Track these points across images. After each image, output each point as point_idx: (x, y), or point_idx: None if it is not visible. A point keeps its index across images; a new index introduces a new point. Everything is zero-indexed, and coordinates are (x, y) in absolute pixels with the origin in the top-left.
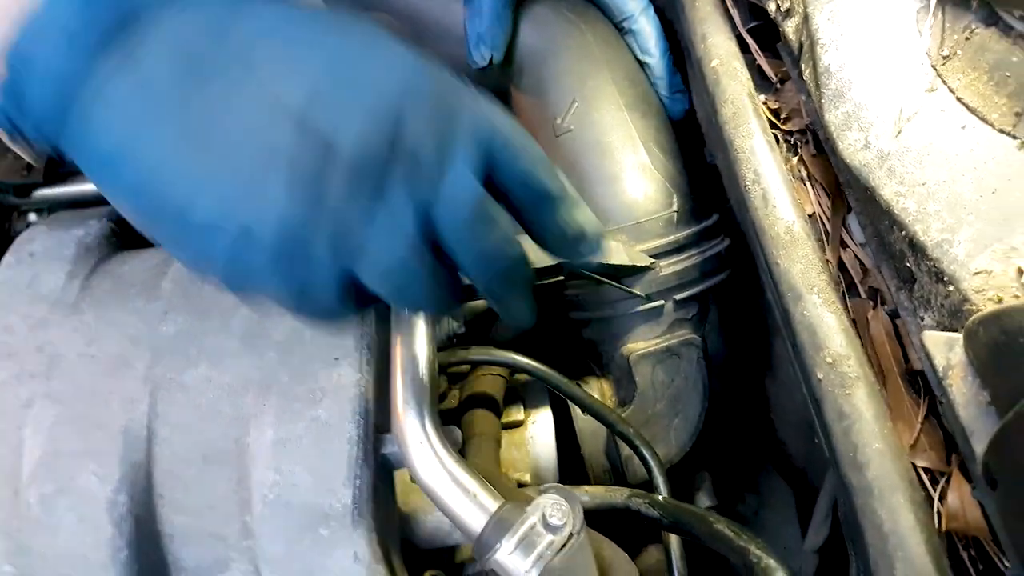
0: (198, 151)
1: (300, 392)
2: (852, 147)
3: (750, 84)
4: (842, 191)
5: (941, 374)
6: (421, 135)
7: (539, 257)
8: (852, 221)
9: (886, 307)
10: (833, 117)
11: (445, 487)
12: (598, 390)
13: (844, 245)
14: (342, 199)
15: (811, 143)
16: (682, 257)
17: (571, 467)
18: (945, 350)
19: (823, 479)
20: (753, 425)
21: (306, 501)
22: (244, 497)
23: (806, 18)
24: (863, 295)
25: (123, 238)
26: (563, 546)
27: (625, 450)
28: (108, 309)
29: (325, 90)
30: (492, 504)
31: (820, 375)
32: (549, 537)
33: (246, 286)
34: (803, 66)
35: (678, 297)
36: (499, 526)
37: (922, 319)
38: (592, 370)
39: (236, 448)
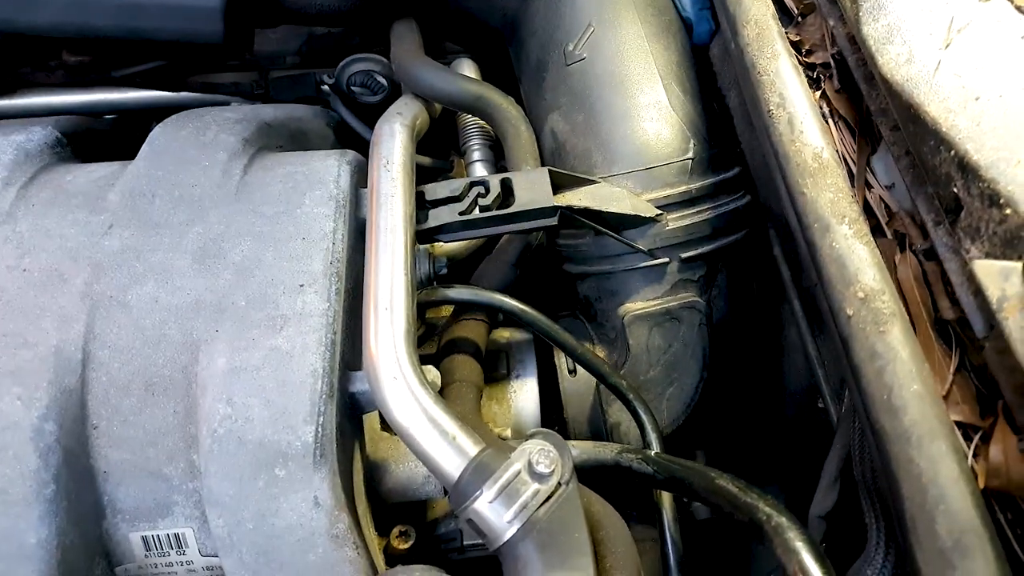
0: None
1: (258, 318)
2: (894, 61)
3: (773, 7)
4: (868, 127)
5: (995, 306)
6: None
7: (532, 198)
8: (876, 162)
9: (915, 248)
10: (872, 30)
11: (420, 427)
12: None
13: (868, 187)
14: None
15: (835, 77)
16: (693, 211)
17: (550, 425)
18: (1000, 280)
19: (821, 448)
20: (749, 403)
21: (261, 438)
22: (191, 432)
23: None
24: (890, 238)
25: (72, 151)
26: (550, 496)
27: (612, 417)
28: (45, 219)
29: None
30: (472, 448)
31: (850, 311)
32: (535, 486)
33: None
34: None
35: (684, 255)
36: (479, 472)
37: (968, 251)
38: (585, 329)
39: (183, 377)
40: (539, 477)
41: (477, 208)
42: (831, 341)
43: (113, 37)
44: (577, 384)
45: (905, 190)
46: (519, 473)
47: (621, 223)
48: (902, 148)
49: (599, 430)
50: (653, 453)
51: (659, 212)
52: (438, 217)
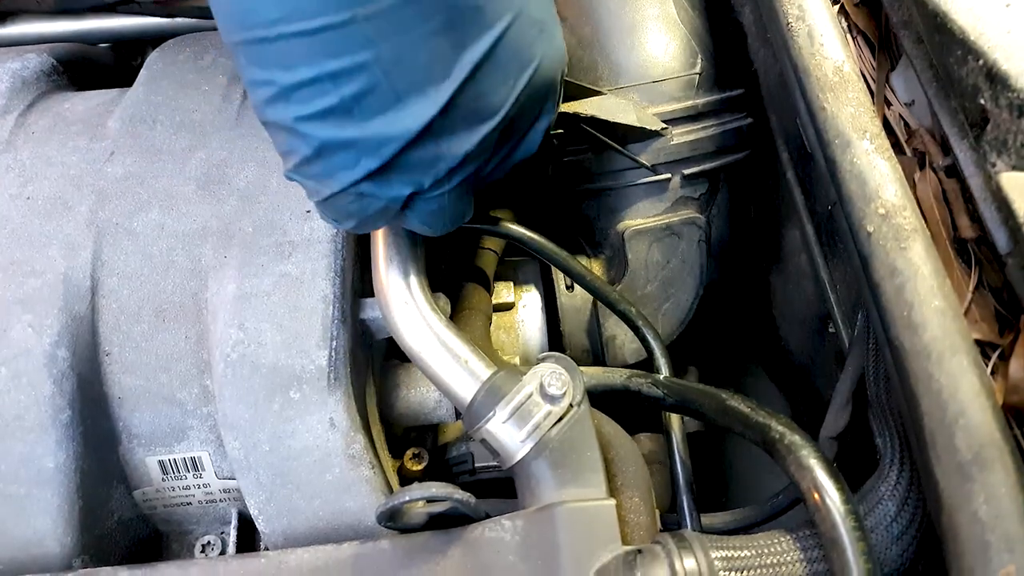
0: None
1: (266, 244)
2: None
3: None
4: (888, 43)
5: (1022, 218)
6: None
7: None
8: (896, 79)
9: (936, 166)
10: None
11: (432, 351)
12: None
13: (888, 104)
14: None
15: None
16: (698, 127)
17: (555, 350)
18: None
19: (829, 374)
20: (747, 323)
21: (275, 362)
22: (203, 357)
23: None
24: (909, 156)
25: (69, 79)
26: (561, 417)
27: (607, 331)
28: (46, 147)
29: None
30: (484, 371)
31: (870, 228)
32: (547, 407)
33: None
34: None
35: (687, 172)
36: (492, 393)
37: (994, 165)
38: (583, 249)
39: (193, 303)
40: (551, 399)
41: None
42: (847, 263)
43: None
44: (574, 300)
45: (926, 107)
46: (531, 395)
47: (626, 136)
48: (926, 61)
49: (596, 344)
50: (662, 377)
51: (664, 126)
52: None
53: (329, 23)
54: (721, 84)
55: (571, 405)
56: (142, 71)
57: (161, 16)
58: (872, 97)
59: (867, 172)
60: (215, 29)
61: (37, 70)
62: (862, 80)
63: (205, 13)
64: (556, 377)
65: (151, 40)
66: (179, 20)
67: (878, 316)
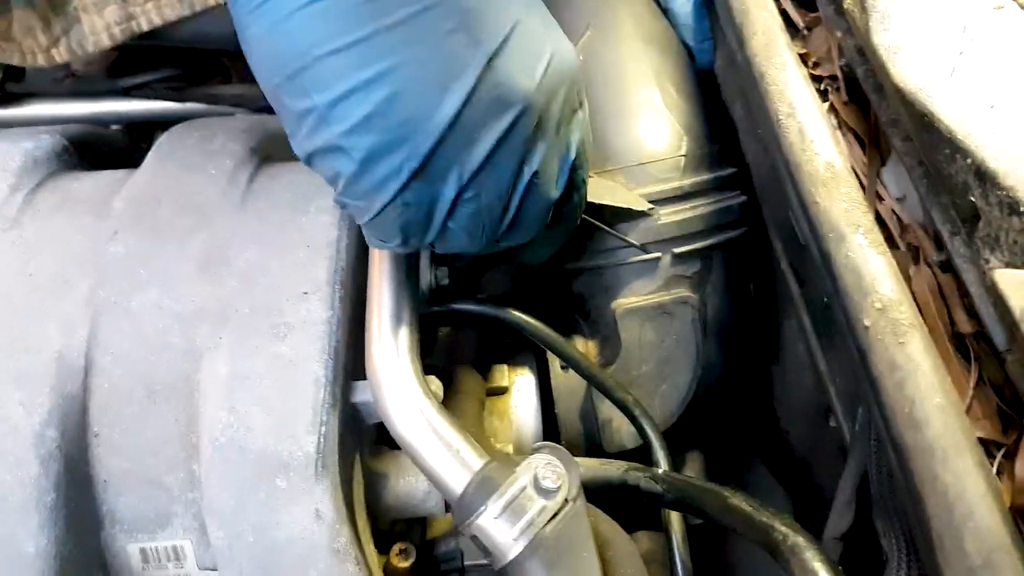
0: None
1: (262, 326)
2: (907, 70)
3: (780, 19)
4: (877, 140)
5: (1018, 316)
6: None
7: None
8: (887, 175)
9: (930, 261)
10: (883, 40)
11: (423, 439)
12: (583, 350)
13: (879, 199)
14: None
15: (843, 89)
16: (686, 206)
17: (549, 435)
18: (1022, 289)
19: (832, 468)
20: (747, 411)
21: (263, 447)
22: (192, 441)
23: None
24: (903, 250)
25: (80, 159)
26: (556, 513)
27: (603, 413)
28: (51, 225)
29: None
30: (477, 461)
31: (867, 322)
32: (541, 502)
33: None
34: None
35: (677, 251)
36: (484, 486)
37: (987, 261)
38: (579, 328)
39: (185, 385)
40: (545, 493)
41: None
42: (845, 356)
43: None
44: (569, 381)
45: (918, 202)
46: (525, 488)
47: (614, 216)
48: (915, 158)
49: (591, 427)
50: (662, 471)
51: (651, 206)
52: None
53: (356, 38)
54: (711, 164)
55: (566, 500)
56: (150, 153)
57: (173, 101)
58: (864, 192)
59: (862, 266)
60: (225, 114)
61: (49, 150)
62: (854, 176)
63: (215, 99)
64: (551, 469)
65: (162, 124)
66: (190, 105)
67: (879, 412)
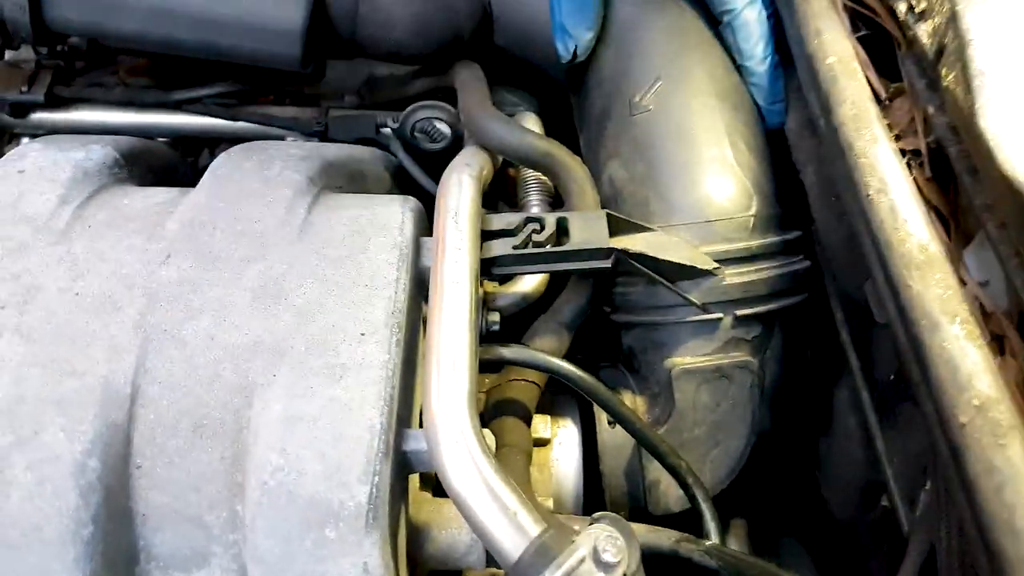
0: None
1: (318, 365)
2: (1017, 158)
3: (869, 89)
4: (960, 219)
5: None
6: None
7: (587, 238)
8: (968, 257)
9: (1016, 351)
10: (991, 125)
11: (479, 498)
12: (631, 406)
13: (962, 282)
14: None
15: (926, 165)
16: (752, 268)
17: (591, 494)
18: None
19: (874, 548)
20: (787, 482)
21: (313, 494)
22: (237, 480)
23: (952, 17)
24: (987, 339)
25: (130, 172)
26: None
27: (651, 474)
28: (101, 242)
29: None
30: (534, 528)
31: (963, 419)
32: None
33: None
34: (943, 70)
35: (739, 313)
36: (541, 555)
37: None
38: (626, 383)
39: (235, 421)
40: (605, 567)
41: (531, 244)
42: (911, 438)
43: (191, 52)
44: (615, 437)
45: (1003, 289)
46: (583, 560)
47: (676, 273)
48: (1011, 248)
49: (637, 488)
50: (714, 544)
51: (716, 265)
52: (492, 248)
53: None
54: (778, 226)
55: (625, 575)
56: (206, 174)
57: (224, 118)
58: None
59: (958, 359)
60: (278, 136)
61: (100, 162)
62: (949, 262)
63: (268, 119)
64: (611, 542)
65: (210, 140)
66: (241, 124)
67: (971, 515)
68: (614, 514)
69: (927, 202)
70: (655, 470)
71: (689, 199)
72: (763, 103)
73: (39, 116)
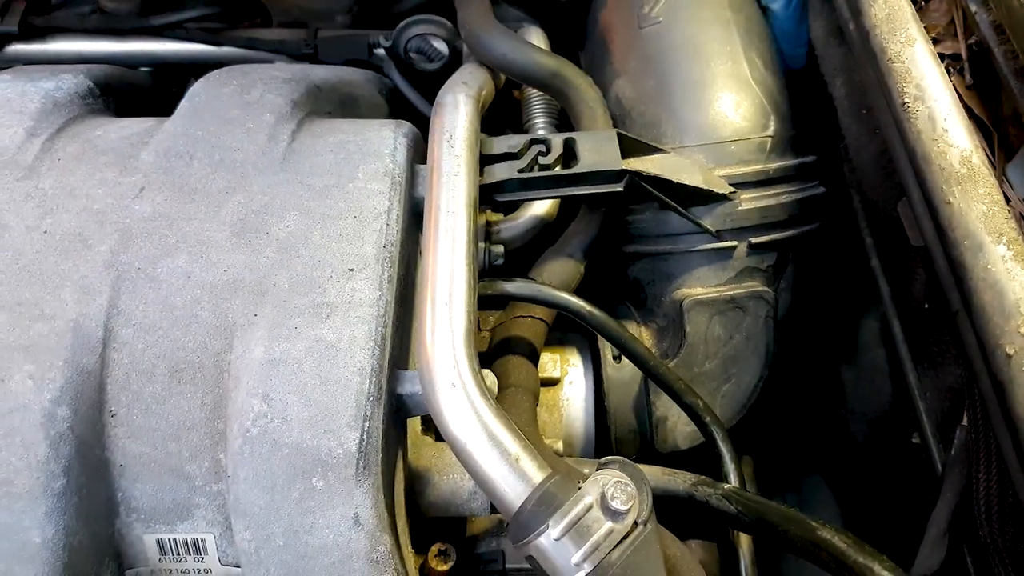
0: None
1: (302, 304)
2: None
3: None
4: (1005, 129)
5: None
6: None
7: (597, 160)
8: (1011, 171)
9: None
10: None
11: (479, 444)
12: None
13: (1005, 198)
14: None
15: (966, 70)
16: (768, 192)
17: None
18: None
19: (903, 483)
20: (808, 417)
21: (299, 441)
22: (218, 427)
23: None
24: None
25: (105, 103)
26: (625, 537)
27: (659, 410)
28: (71, 177)
29: None
30: (537, 474)
31: (1010, 350)
32: (608, 524)
33: None
34: None
35: (754, 240)
36: (545, 502)
37: None
38: (630, 316)
39: (214, 364)
40: (614, 514)
41: (536, 167)
42: (947, 373)
43: None
44: (621, 372)
45: None
46: (591, 507)
47: (690, 198)
48: None
49: (644, 424)
50: (733, 488)
51: (732, 189)
52: (494, 173)
53: None
54: (795, 149)
55: (636, 523)
56: (183, 102)
57: (208, 44)
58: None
59: (1005, 283)
60: (265, 61)
61: (71, 91)
62: (993, 175)
63: (255, 44)
64: (621, 488)
65: (195, 68)
66: (226, 49)
67: (1016, 455)
68: (624, 458)
69: (968, 110)
70: (662, 406)
71: (703, 118)
72: (787, 48)
73: (14, 48)
